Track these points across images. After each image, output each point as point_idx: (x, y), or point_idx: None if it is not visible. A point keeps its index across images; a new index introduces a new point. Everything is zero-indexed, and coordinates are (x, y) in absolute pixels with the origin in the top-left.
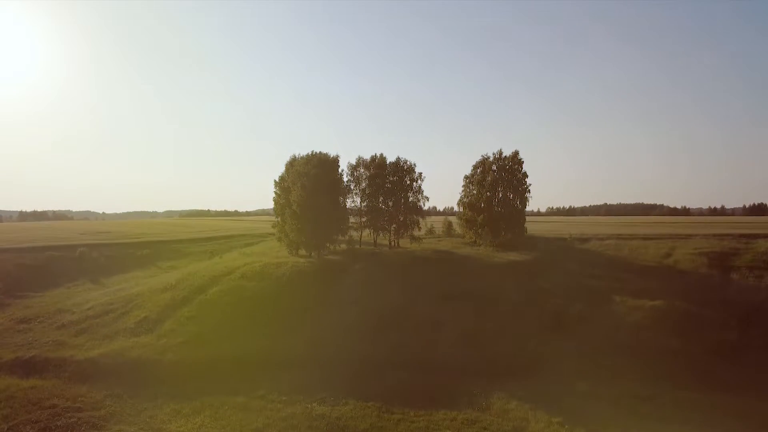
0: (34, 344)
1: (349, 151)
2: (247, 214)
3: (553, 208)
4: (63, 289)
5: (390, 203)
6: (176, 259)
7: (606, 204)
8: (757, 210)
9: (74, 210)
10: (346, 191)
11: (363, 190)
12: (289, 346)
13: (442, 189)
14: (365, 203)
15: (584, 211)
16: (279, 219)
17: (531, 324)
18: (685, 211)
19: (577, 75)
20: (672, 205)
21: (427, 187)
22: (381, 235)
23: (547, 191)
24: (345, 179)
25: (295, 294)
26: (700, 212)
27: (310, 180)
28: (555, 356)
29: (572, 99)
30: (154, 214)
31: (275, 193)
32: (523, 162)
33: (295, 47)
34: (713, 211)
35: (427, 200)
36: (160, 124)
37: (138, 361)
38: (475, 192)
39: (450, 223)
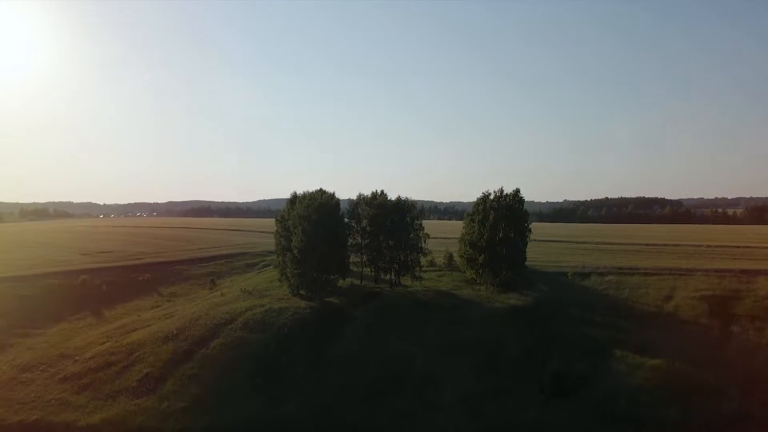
0: (37, 402)
1: (346, 146)
2: (248, 209)
3: (554, 203)
4: (65, 324)
5: (391, 242)
6: (177, 283)
7: (607, 198)
8: (759, 213)
9: (75, 202)
10: (347, 231)
11: (364, 228)
12: (289, 411)
13: (438, 183)
14: (367, 240)
15: (586, 207)
16: (280, 258)
17: (531, 386)
18: (687, 215)
19: (576, 69)
20: (672, 198)
21: (423, 185)
22: (382, 272)
23: (549, 185)
24: (346, 218)
25: (296, 348)
26: (701, 204)
27: (311, 225)
28: (555, 426)
29: (573, 93)
30: (155, 206)
31: (276, 231)
32: (524, 200)
33: (297, 38)
34: (715, 214)
35: (428, 237)
36: (162, 114)
37: (140, 430)
38: (476, 230)
39: (451, 255)
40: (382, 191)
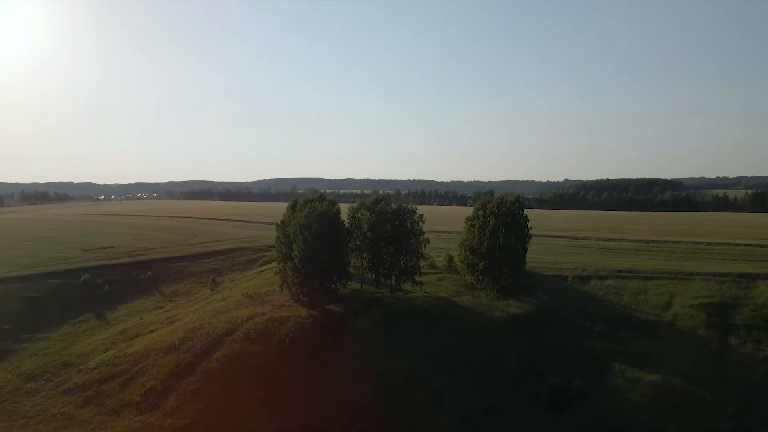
0: (43, 416)
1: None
2: (249, 190)
3: (555, 182)
4: (69, 327)
5: (391, 249)
6: (179, 281)
7: (608, 179)
8: (760, 199)
9: (75, 182)
10: (348, 238)
11: (364, 233)
12: (292, 429)
13: (438, 163)
14: (367, 243)
15: (586, 189)
16: (281, 265)
17: (530, 401)
18: (688, 201)
19: (582, 44)
20: (673, 177)
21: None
22: (383, 278)
23: (550, 164)
24: (346, 222)
25: (297, 361)
26: (702, 185)
27: (312, 235)
28: None
29: (574, 73)
30: (155, 187)
31: (277, 236)
32: (524, 207)
33: (309, 11)
34: (717, 199)
35: (428, 242)
36: (161, 92)
37: None
38: (476, 236)
39: (451, 257)
40: (383, 198)
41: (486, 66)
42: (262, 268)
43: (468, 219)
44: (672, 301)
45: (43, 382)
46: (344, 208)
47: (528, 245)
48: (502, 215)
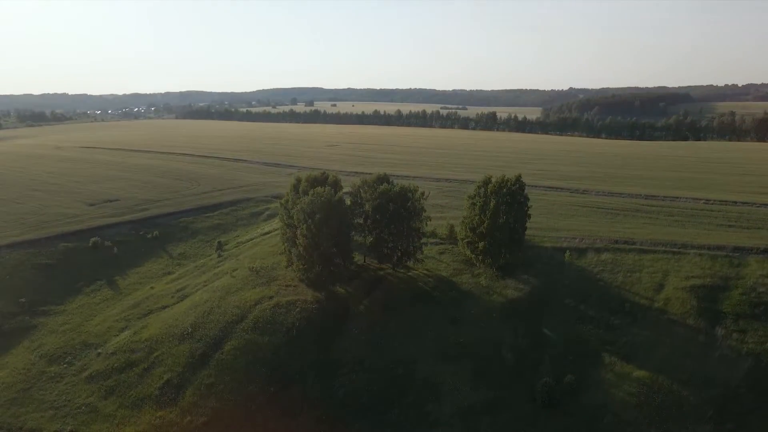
0: (69, 408)
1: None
2: (248, 102)
3: (559, 91)
4: (83, 298)
5: (393, 228)
6: (185, 240)
7: (614, 92)
8: (765, 127)
9: (70, 93)
10: (351, 217)
11: (366, 212)
12: (301, 424)
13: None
14: (369, 221)
15: (590, 104)
16: (286, 246)
17: (525, 396)
18: (693, 126)
19: None
20: (681, 85)
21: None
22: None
23: (554, 70)
24: (349, 200)
25: (305, 353)
26: (709, 94)
27: (316, 224)
28: None
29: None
30: (152, 98)
31: (281, 215)
32: (525, 185)
33: None
34: (722, 125)
35: (429, 220)
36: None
37: None
38: (477, 216)
39: (452, 227)
40: (385, 174)
41: None
42: (267, 231)
43: (469, 197)
44: (665, 282)
45: (65, 365)
46: (343, 142)
47: (527, 223)
48: (502, 195)
